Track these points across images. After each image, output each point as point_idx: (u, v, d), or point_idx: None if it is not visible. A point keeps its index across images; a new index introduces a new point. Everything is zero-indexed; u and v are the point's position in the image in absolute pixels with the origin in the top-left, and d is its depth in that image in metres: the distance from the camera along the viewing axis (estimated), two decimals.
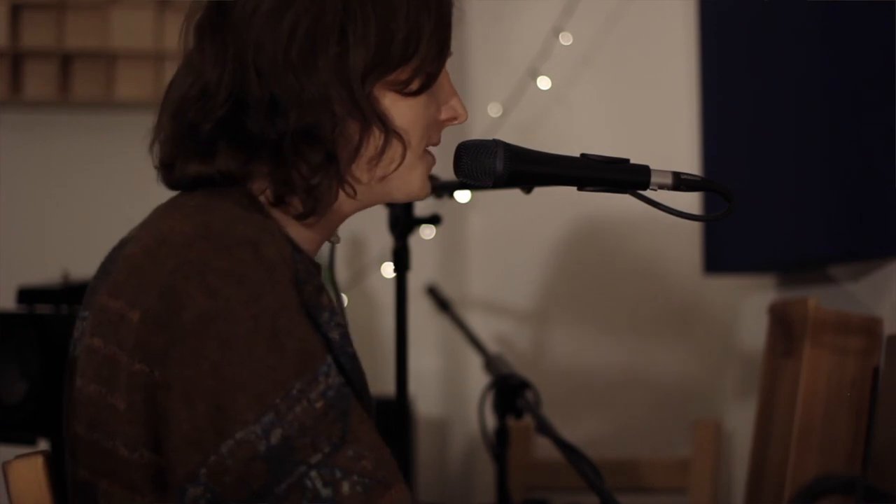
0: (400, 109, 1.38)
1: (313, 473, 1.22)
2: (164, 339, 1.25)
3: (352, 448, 1.24)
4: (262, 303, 1.24)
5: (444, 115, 1.43)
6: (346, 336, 1.33)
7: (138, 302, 1.27)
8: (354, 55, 1.34)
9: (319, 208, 1.35)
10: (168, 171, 1.39)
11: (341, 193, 1.37)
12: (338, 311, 1.33)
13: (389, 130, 1.36)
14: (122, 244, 1.38)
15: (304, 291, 1.29)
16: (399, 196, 1.43)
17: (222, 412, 1.22)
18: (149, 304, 1.26)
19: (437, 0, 1.39)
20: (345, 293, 2.60)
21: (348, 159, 1.35)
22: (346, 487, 1.23)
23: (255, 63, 1.33)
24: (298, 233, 1.37)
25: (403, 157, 1.38)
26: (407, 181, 1.41)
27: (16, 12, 3.06)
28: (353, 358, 1.34)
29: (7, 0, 3.03)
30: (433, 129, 1.43)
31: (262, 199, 1.36)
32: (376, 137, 1.36)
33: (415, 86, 1.37)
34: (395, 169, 1.38)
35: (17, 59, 3.07)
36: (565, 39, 2.96)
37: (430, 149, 1.44)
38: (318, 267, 1.37)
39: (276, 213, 1.36)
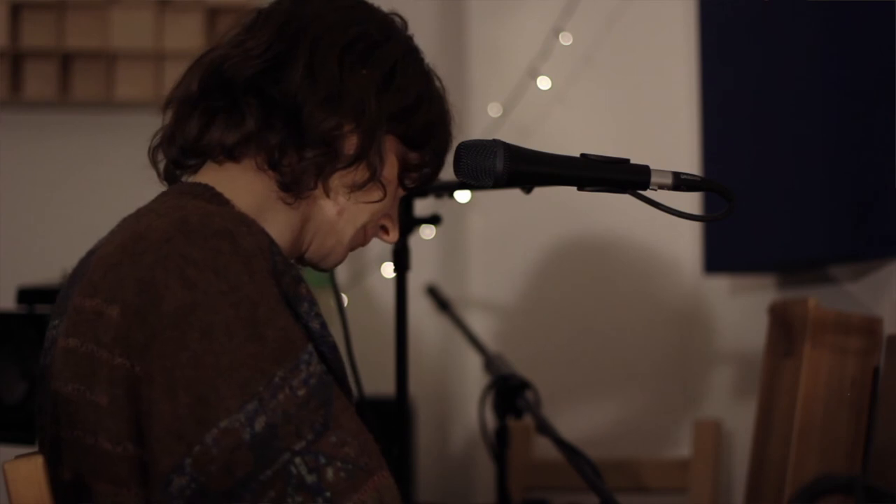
0: (390, 163, 1.44)
1: (297, 460, 1.23)
2: (145, 332, 1.25)
3: (335, 434, 1.25)
4: (241, 293, 1.25)
5: (383, 221, 1.50)
6: (325, 326, 1.34)
7: (117, 297, 1.28)
8: (391, 95, 1.41)
9: (298, 186, 1.40)
10: (182, 127, 1.42)
11: (313, 203, 1.42)
12: (316, 301, 1.34)
13: (376, 174, 1.42)
14: (91, 252, 1.39)
15: (283, 282, 1.30)
16: (322, 251, 1.47)
17: (205, 402, 1.22)
18: (128, 299, 1.27)
19: (447, 129, 1.50)
20: (345, 293, 2.60)
21: (333, 167, 1.41)
22: (330, 473, 1.24)
23: (313, 40, 1.39)
24: (272, 230, 1.39)
25: (378, 200, 1.45)
26: (340, 242, 1.47)
27: (16, 12, 3.06)
28: (334, 348, 1.35)
29: (7, 0, 3.03)
30: (374, 224, 1.49)
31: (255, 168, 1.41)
32: (359, 173, 1.42)
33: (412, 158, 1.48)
34: (367, 204, 1.45)
35: (17, 59, 3.07)
36: (565, 39, 2.96)
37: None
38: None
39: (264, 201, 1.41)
